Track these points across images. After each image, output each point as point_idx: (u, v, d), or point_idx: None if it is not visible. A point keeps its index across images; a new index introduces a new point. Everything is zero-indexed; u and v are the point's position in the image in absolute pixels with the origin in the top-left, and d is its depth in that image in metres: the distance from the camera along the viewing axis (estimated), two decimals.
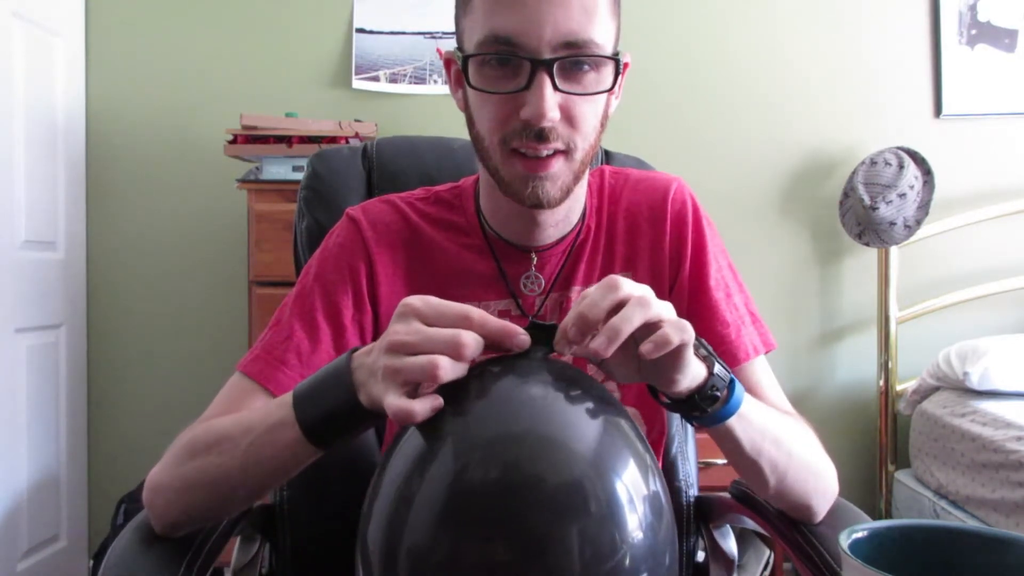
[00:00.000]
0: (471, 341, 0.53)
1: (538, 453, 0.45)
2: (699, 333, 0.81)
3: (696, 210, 0.86)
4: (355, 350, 0.61)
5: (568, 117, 0.72)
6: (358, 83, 2.37)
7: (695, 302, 0.84)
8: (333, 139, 2.05)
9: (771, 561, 1.99)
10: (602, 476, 0.45)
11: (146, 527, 0.73)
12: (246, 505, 0.72)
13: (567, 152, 0.74)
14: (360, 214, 0.86)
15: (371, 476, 0.52)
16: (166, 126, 2.38)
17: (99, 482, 2.38)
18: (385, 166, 1.11)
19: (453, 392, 0.51)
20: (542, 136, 0.71)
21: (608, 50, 0.72)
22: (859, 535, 0.52)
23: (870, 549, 0.51)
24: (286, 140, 2.04)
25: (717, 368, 0.62)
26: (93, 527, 2.39)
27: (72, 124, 2.32)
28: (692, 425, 0.64)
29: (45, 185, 2.20)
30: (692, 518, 1.02)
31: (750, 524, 0.92)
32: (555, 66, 0.70)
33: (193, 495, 0.69)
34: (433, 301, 0.56)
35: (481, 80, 0.72)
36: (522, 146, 0.72)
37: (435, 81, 2.37)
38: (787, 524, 0.80)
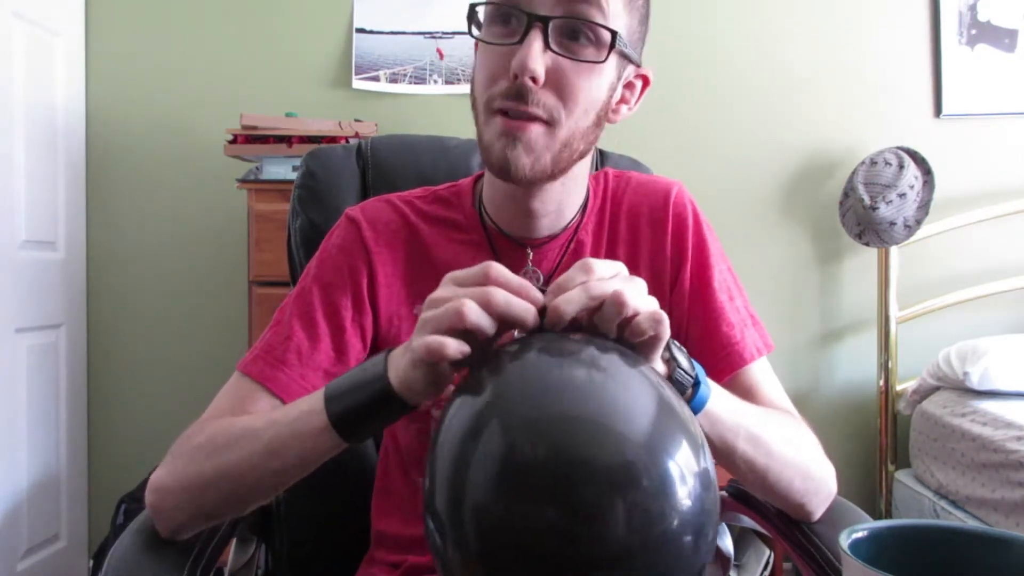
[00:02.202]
0: (501, 297, 0.55)
1: (586, 434, 0.47)
2: (705, 334, 0.82)
3: (696, 214, 0.87)
4: (393, 348, 0.63)
5: (556, 85, 0.72)
6: (358, 83, 2.37)
7: (700, 304, 0.84)
8: (333, 139, 2.05)
9: (771, 561, 1.98)
10: (654, 457, 0.47)
11: (147, 530, 0.73)
12: (261, 501, 0.72)
13: (548, 123, 0.73)
14: (359, 214, 0.86)
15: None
16: (166, 126, 2.38)
17: (99, 482, 2.38)
18: (380, 165, 1.11)
19: (497, 369, 0.53)
20: (522, 93, 0.71)
21: (611, 27, 0.72)
22: (859, 535, 0.52)
23: (870, 549, 0.51)
24: (286, 140, 2.04)
25: (678, 373, 0.62)
26: (93, 527, 2.39)
27: (72, 124, 2.33)
28: None
29: (45, 185, 2.20)
30: None
31: (748, 522, 0.92)
32: (551, 25, 0.70)
33: (208, 493, 0.69)
34: (469, 269, 0.58)
35: (484, 35, 0.74)
36: (503, 104, 0.72)
37: (435, 81, 2.37)
38: (786, 522, 0.80)
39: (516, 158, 0.72)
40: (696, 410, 0.64)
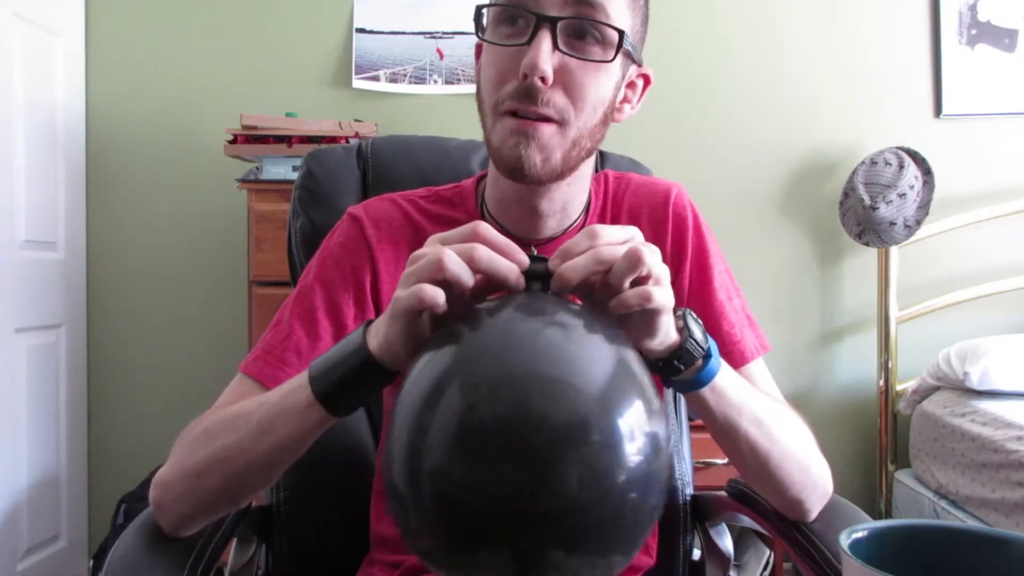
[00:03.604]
0: (484, 253, 0.55)
1: (545, 392, 0.48)
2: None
3: (696, 215, 0.88)
4: (373, 320, 0.63)
5: (565, 85, 0.72)
6: (358, 83, 2.37)
7: (699, 303, 0.84)
8: (333, 139, 2.05)
9: (771, 561, 1.99)
10: (606, 413, 0.48)
11: (149, 528, 0.73)
12: (258, 487, 0.73)
13: (560, 123, 0.73)
14: (362, 212, 0.86)
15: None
16: (166, 126, 2.38)
17: (99, 482, 2.38)
18: (380, 165, 1.11)
19: (464, 326, 0.53)
20: (531, 93, 0.71)
21: (618, 26, 0.73)
22: (859, 535, 0.52)
23: (870, 549, 0.51)
24: (286, 140, 2.04)
25: (689, 343, 0.62)
26: (93, 527, 2.39)
27: (72, 124, 2.33)
28: (667, 387, 0.65)
29: (45, 185, 2.20)
30: (688, 517, 1.02)
31: (747, 522, 0.92)
32: (559, 25, 0.71)
33: (205, 481, 0.69)
34: (456, 228, 0.58)
35: (491, 36, 0.75)
36: (513, 106, 0.72)
37: (435, 81, 2.37)
38: (785, 522, 0.80)
39: (529, 156, 0.73)
40: (703, 382, 0.64)
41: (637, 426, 0.49)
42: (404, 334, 0.57)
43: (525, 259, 0.56)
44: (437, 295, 0.54)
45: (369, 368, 0.60)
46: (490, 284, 0.56)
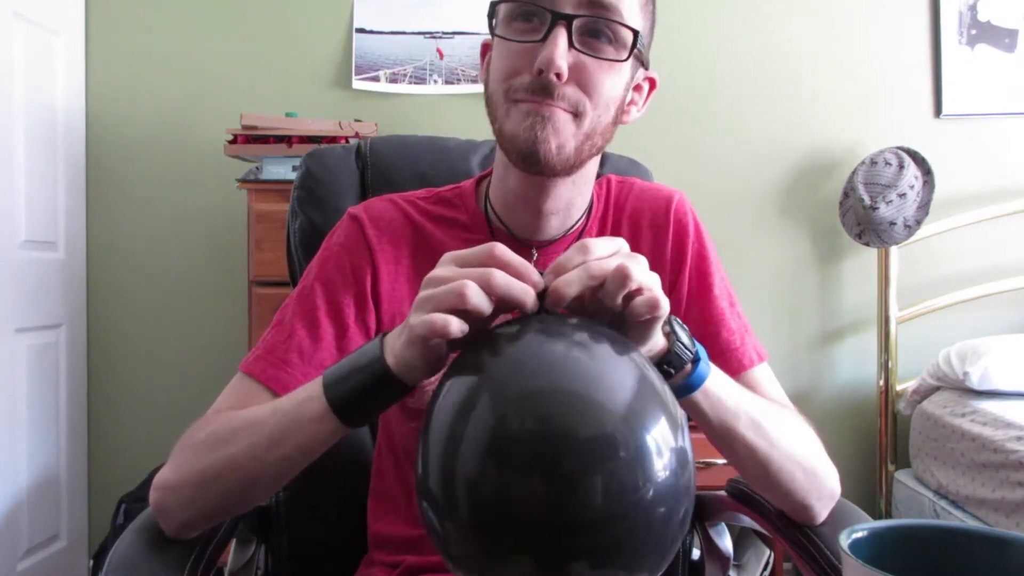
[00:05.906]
0: (501, 279, 0.55)
1: (570, 407, 0.49)
2: (706, 340, 0.82)
3: (696, 222, 0.88)
4: (388, 332, 0.63)
5: (580, 81, 0.73)
6: (358, 83, 2.37)
7: (699, 310, 0.85)
8: (333, 139, 2.05)
9: (771, 561, 1.99)
10: (632, 430, 0.49)
11: (149, 529, 0.73)
12: (265, 494, 0.73)
13: (575, 114, 0.74)
14: (362, 212, 0.86)
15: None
16: (166, 126, 2.38)
17: (99, 482, 2.38)
18: (379, 165, 1.11)
19: (490, 349, 0.54)
20: (547, 88, 0.72)
21: (632, 26, 0.73)
22: (859, 535, 0.52)
23: (870, 549, 0.51)
24: (286, 140, 2.04)
25: (677, 347, 0.62)
26: (93, 527, 2.39)
27: (72, 124, 2.32)
28: None
29: (45, 185, 2.20)
30: None
31: (747, 522, 0.92)
32: (574, 24, 0.71)
33: (212, 487, 0.69)
34: (471, 249, 0.58)
35: (504, 31, 0.75)
36: (527, 97, 0.73)
37: (435, 81, 2.37)
38: (786, 522, 0.80)
39: (545, 139, 0.73)
40: (694, 386, 0.65)
41: (663, 442, 0.50)
42: (422, 357, 0.58)
43: (540, 280, 0.57)
44: (461, 327, 0.55)
45: (386, 382, 0.60)
46: (504, 305, 0.57)
